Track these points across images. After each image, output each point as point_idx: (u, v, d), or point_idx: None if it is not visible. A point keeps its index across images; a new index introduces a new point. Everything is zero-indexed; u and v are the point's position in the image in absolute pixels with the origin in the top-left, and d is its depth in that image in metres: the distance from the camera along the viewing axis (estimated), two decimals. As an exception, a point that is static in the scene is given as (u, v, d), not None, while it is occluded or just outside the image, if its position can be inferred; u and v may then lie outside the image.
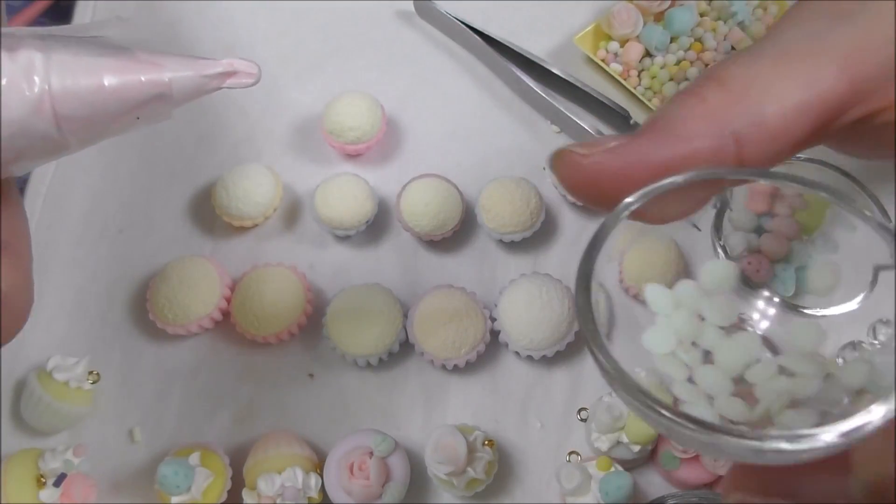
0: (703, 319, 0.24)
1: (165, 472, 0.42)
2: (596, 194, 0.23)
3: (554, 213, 0.53)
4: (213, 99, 0.56)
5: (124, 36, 0.27)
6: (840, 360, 0.43)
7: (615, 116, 0.54)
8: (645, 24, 0.56)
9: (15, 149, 0.25)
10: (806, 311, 0.47)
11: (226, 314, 0.49)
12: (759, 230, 0.51)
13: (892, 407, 0.20)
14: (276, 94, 0.57)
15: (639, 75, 0.56)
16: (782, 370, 0.22)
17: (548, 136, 0.56)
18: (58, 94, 0.25)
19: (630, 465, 0.45)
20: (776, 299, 0.48)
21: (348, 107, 0.52)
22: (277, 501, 0.42)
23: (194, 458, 0.43)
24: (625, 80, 0.55)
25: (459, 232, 0.51)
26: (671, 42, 0.56)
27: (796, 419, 0.22)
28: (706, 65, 0.55)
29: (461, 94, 0.57)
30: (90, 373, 0.46)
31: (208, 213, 0.53)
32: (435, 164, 0.53)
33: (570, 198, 0.52)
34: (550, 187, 0.53)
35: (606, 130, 0.54)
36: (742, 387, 0.23)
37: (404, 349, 0.48)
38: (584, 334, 0.21)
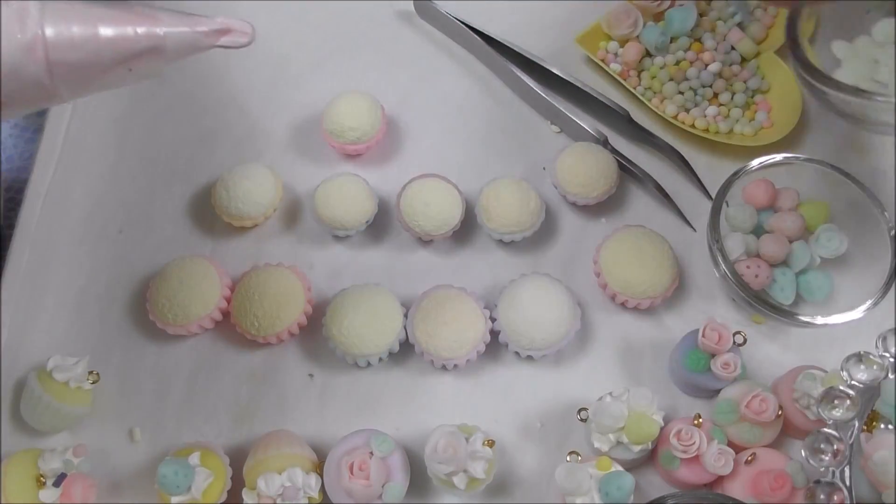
0: None
1: (165, 472, 0.42)
2: None
3: (554, 213, 0.53)
4: (213, 99, 0.56)
5: None
6: (844, 374, 0.43)
7: (615, 116, 0.54)
8: (645, 24, 0.56)
9: (5, 92, 0.25)
10: (803, 318, 0.47)
11: (226, 314, 0.49)
12: (758, 230, 0.51)
13: None
14: (276, 93, 0.57)
15: (639, 75, 0.56)
16: None
17: (548, 136, 0.56)
18: (51, 40, 0.25)
19: (630, 465, 0.45)
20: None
21: (348, 107, 0.52)
22: (277, 501, 0.42)
23: (194, 458, 0.43)
24: (624, 80, 0.55)
25: (459, 232, 0.51)
26: (671, 42, 0.56)
27: None
28: (706, 65, 0.55)
29: (461, 94, 0.57)
30: (90, 373, 0.46)
31: (208, 213, 0.53)
32: (435, 164, 0.54)
33: (569, 198, 0.52)
34: (550, 187, 0.53)
35: (606, 130, 0.54)
36: None
37: (404, 349, 0.48)
38: None
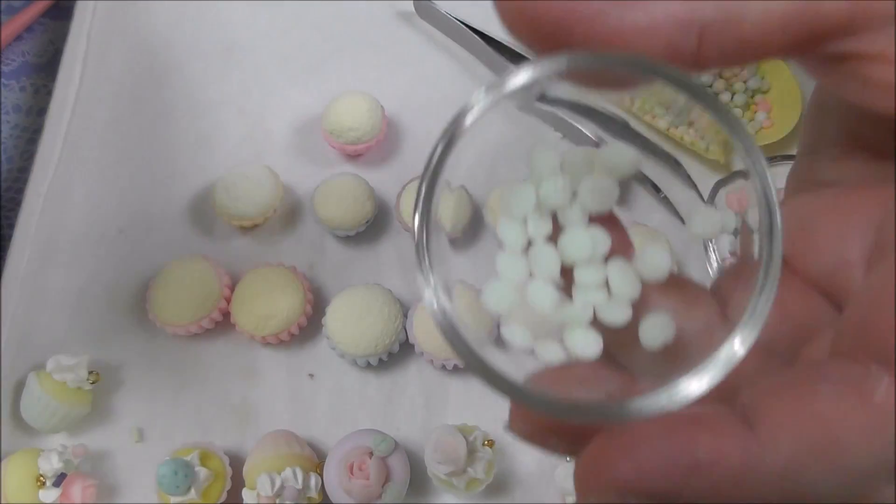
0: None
1: (165, 472, 0.42)
2: (528, 30, 0.20)
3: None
4: (212, 99, 0.56)
5: None
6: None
7: (614, 119, 0.54)
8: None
9: None
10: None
11: (226, 314, 0.49)
12: (736, 232, 0.51)
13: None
14: (276, 94, 0.57)
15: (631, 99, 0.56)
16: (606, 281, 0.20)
17: (547, 136, 0.55)
18: None
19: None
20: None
21: (348, 107, 0.52)
22: (277, 501, 0.42)
23: (194, 458, 0.43)
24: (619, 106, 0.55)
25: (466, 232, 0.51)
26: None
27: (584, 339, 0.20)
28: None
29: (461, 94, 0.57)
30: (90, 373, 0.46)
31: (208, 213, 0.53)
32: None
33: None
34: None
35: (605, 134, 0.54)
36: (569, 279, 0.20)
37: (404, 349, 0.48)
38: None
